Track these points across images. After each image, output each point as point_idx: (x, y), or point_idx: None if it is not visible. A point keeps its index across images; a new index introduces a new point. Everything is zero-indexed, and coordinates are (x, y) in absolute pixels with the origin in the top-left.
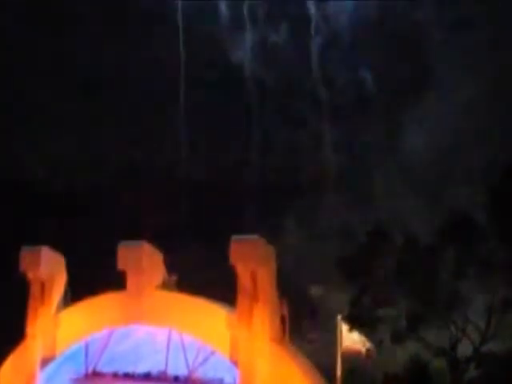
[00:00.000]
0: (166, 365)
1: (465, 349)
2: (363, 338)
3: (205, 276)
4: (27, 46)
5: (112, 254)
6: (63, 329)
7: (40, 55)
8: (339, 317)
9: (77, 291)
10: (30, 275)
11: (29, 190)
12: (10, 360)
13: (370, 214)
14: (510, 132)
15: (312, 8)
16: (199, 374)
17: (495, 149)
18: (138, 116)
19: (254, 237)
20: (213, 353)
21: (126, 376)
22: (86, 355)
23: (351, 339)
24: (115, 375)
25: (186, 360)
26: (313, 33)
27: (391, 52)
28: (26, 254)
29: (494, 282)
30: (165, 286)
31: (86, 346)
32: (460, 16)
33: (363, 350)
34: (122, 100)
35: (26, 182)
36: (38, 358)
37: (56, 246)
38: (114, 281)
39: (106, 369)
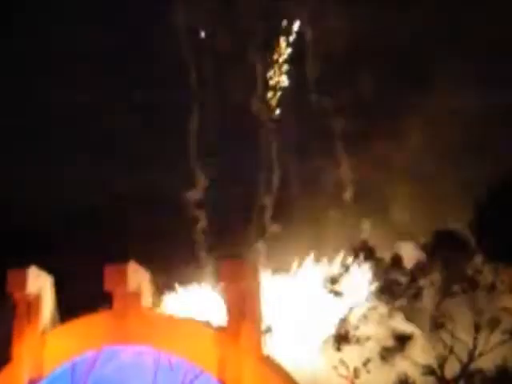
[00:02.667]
0: None
1: (453, 367)
2: (351, 357)
3: None
4: None
5: (100, 274)
6: (50, 349)
7: None
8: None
9: (64, 311)
10: (17, 295)
11: (16, 210)
12: None
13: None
14: (498, 151)
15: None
16: None
17: (483, 166)
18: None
19: (241, 256)
20: (201, 372)
21: None
22: (73, 376)
23: (339, 358)
24: None
25: (174, 380)
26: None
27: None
28: (13, 275)
29: (481, 300)
30: (152, 305)
31: (73, 367)
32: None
33: (351, 368)
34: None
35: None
36: (24, 379)
37: (43, 265)
38: (102, 301)
39: None
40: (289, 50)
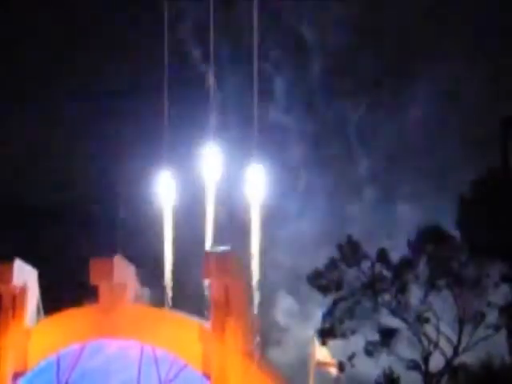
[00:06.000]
0: (139, 379)
1: (437, 362)
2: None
3: None
4: None
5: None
6: (35, 342)
7: None
8: (313, 331)
9: (49, 305)
10: (2, 288)
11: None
12: None
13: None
14: (484, 145)
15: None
16: None
17: (468, 161)
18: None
19: (227, 249)
20: (185, 366)
21: None
22: (58, 370)
23: (324, 352)
24: None
25: (159, 374)
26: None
27: None
28: None
29: (466, 295)
30: (137, 299)
31: (58, 361)
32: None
33: (336, 363)
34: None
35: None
36: (9, 372)
37: (28, 258)
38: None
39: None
40: None
